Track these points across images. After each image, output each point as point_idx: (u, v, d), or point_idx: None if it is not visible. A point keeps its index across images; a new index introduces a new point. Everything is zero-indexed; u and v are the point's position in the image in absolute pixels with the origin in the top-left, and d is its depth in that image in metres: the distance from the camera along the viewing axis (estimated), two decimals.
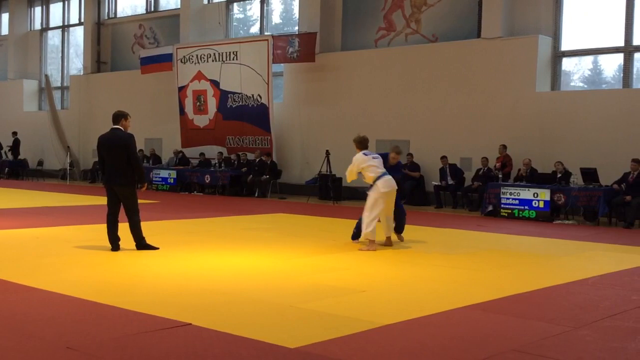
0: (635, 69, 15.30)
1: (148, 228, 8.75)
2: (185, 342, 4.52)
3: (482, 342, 4.74)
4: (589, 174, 13.50)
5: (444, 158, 16.17)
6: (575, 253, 9.47)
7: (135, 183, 8.35)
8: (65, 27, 27.40)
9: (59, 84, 27.50)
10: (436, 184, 16.11)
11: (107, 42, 25.45)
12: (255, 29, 21.88)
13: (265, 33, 20.80)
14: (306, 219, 13.15)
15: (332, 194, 16.93)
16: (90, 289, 6.20)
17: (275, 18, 21.97)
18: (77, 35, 26.95)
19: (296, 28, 20.23)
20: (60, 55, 27.81)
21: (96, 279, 6.79)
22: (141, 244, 8.37)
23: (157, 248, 8.40)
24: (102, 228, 8.49)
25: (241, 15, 22.60)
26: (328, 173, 17.19)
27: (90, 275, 6.96)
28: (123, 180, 8.23)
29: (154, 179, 20.10)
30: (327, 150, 17.11)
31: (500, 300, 6.09)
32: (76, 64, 27.27)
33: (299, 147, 19.51)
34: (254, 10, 22.03)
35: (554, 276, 7.56)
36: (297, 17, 20.31)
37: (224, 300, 5.90)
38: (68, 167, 23.31)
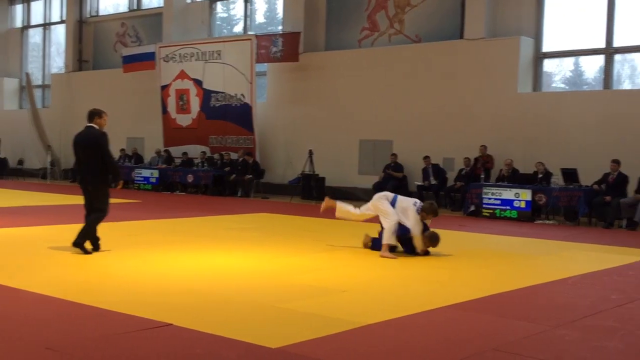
0: (615, 71, 15.45)
1: (129, 228, 8.69)
2: (166, 343, 4.50)
3: (463, 342, 4.76)
4: (570, 175, 13.61)
5: (426, 158, 16.23)
6: (556, 253, 9.54)
7: (109, 182, 8.18)
8: (46, 25, 27.17)
9: (40, 83, 27.27)
10: (419, 184, 16.16)
11: (89, 40, 25.27)
12: (238, 28, 21.83)
13: (249, 32, 20.76)
14: (289, 219, 13.14)
15: (315, 193, 16.92)
16: (70, 288, 6.15)
17: (259, 17, 21.94)
18: (59, 33, 26.73)
19: (280, 27, 20.21)
20: (41, 53, 27.57)
21: (76, 279, 6.74)
22: (78, 242, 7.97)
23: (90, 253, 7.98)
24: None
25: (225, 14, 22.53)
26: (311, 173, 17.19)
27: (69, 275, 6.90)
28: (97, 179, 8.06)
29: (135, 178, 19.99)
30: (310, 150, 17.11)
31: (480, 300, 6.12)
32: (57, 62, 27.05)
33: (282, 146, 19.48)
34: (238, 9, 21.98)
35: (534, 276, 7.61)
36: (281, 16, 20.29)
37: (206, 300, 5.87)
38: (49, 166, 23.11)
